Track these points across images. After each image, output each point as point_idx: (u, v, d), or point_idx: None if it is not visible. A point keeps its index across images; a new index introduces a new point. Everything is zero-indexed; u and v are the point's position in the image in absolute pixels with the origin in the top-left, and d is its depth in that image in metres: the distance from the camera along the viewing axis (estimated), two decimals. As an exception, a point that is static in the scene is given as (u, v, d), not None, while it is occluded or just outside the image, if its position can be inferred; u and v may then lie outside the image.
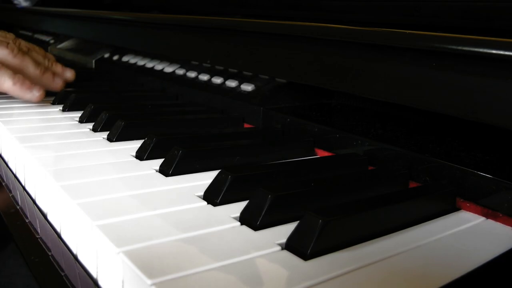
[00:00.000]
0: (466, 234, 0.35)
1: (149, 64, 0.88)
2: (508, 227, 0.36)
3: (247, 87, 0.64)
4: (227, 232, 0.33)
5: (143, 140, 0.50)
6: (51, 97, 0.76)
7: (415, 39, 0.44)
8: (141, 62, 0.91)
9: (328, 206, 0.35)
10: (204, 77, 0.73)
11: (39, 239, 0.41)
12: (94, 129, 0.59)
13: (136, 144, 0.52)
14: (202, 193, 0.40)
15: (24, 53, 0.74)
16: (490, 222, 0.38)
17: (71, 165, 0.45)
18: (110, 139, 0.54)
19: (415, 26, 0.46)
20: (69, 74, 0.82)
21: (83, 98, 0.70)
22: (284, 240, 0.32)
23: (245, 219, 0.35)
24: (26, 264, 0.39)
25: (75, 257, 0.36)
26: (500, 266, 0.32)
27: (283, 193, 0.35)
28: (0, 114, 0.64)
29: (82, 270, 0.34)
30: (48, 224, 0.41)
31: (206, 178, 0.42)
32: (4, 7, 1.69)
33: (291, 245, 0.31)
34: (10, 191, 0.52)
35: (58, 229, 0.39)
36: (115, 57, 1.00)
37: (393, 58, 0.47)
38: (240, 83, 0.66)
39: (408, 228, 0.35)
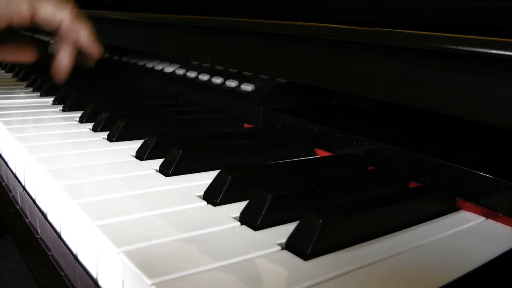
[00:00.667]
0: (466, 234, 0.35)
1: (149, 64, 0.88)
2: (508, 227, 0.36)
3: (247, 87, 0.64)
4: (227, 232, 0.33)
5: (143, 140, 0.50)
6: (51, 97, 0.76)
7: (415, 39, 0.44)
8: (141, 62, 0.91)
9: (328, 206, 0.35)
10: (204, 77, 0.73)
11: (39, 239, 0.41)
12: (94, 129, 0.59)
13: (136, 144, 0.52)
14: (202, 193, 0.40)
15: None
16: (490, 222, 0.38)
17: (71, 165, 0.45)
18: (110, 139, 0.54)
19: (415, 26, 0.46)
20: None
21: (83, 98, 0.70)
22: (284, 240, 0.32)
23: (245, 219, 0.35)
24: (26, 264, 0.39)
25: (75, 257, 0.36)
26: (500, 266, 0.32)
27: (283, 193, 0.35)
28: (0, 114, 0.64)
29: (82, 270, 0.34)
30: (48, 224, 0.41)
31: (206, 178, 0.42)
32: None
33: (291, 245, 0.31)
34: (10, 191, 0.52)
35: (58, 229, 0.39)
36: (115, 57, 1.00)
37: (393, 58, 0.47)
38: (240, 83, 0.66)
39: (408, 228, 0.35)
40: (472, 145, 0.45)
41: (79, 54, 0.69)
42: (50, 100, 0.75)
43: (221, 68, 0.74)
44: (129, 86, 0.87)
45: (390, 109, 0.56)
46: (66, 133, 0.57)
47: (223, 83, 0.69)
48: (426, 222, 0.37)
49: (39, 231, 0.42)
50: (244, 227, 0.34)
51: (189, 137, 0.52)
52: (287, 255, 0.30)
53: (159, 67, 0.85)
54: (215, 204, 0.38)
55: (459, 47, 0.40)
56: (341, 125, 0.52)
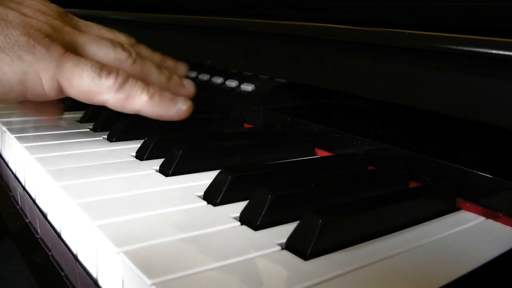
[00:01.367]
0: (466, 234, 0.35)
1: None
2: (508, 227, 0.36)
3: (247, 87, 0.64)
4: (227, 232, 0.33)
5: (143, 140, 0.50)
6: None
7: (415, 39, 0.44)
8: (141, 62, 0.91)
9: (328, 206, 0.35)
10: (204, 77, 0.73)
11: (39, 239, 0.41)
12: (94, 129, 0.59)
13: (136, 144, 0.52)
14: (202, 193, 0.40)
15: (142, 57, 0.55)
16: (490, 222, 0.38)
17: (71, 165, 0.45)
18: (110, 139, 0.54)
19: (415, 26, 0.46)
20: (183, 68, 0.64)
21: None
22: (284, 240, 0.32)
23: (245, 219, 0.35)
24: (26, 264, 0.39)
25: (75, 257, 0.36)
26: (500, 266, 0.32)
27: (283, 193, 0.35)
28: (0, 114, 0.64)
29: (82, 270, 0.34)
30: (48, 224, 0.41)
31: (206, 178, 0.42)
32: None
33: (291, 245, 0.31)
34: (10, 191, 0.52)
35: (58, 229, 0.39)
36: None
37: (393, 58, 0.47)
38: (240, 83, 0.66)
39: (408, 228, 0.35)
40: (472, 145, 0.45)
41: None
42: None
43: (221, 68, 0.73)
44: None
45: (390, 109, 0.56)
46: (66, 133, 0.57)
47: (223, 83, 0.69)
48: (426, 222, 0.37)
49: (39, 231, 0.42)
50: (244, 227, 0.34)
51: (189, 137, 0.52)
52: (287, 255, 0.30)
53: (159, 67, 0.85)
54: (215, 204, 0.38)
55: (459, 47, 0.40)
56: (341, 125, 0.52)
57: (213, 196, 0.39)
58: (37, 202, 0.45)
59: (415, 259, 0.31)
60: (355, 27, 0.50)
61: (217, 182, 0.39)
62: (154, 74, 0.54)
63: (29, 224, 0.44)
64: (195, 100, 0.71)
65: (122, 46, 0.53)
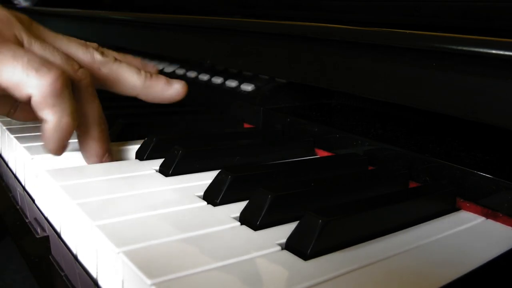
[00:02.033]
0: (466, 234, 0.35)
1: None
2: (508, 227, 0.36)
3: (247, 87, 0.64)
4: (227, 232, 0.33)
5: (143, 140, 0.50)
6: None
7: (415, 39, 0.44)
8: (141, 62, 0.91)
9: (328, 206, 0.35)
10: (204, 77, 0.73)
11: (39, 239, 0.41)
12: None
13: (136, 144, 0.52)
14: (202, 193, 0.40)
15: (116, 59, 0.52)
16: (490, 222, 0.38)
17: (70, 165, 0.45)
18: (110, 139, 0.54)
19: (415, 26, 0.46)
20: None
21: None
22: (284, 240, 0.32)
23: (245, 219, 0.35)
24: (26, 264, 0.39)
25: (75, 257, 0.36)
26: (500, 266, 0.32)
27: (283, 193, 0.35)
28: None
29: (82, 270, 0.34)
30: (48, 224, 0.41)
31: (206, 178, 0.42)
32: (4, 7, 1.69)
33: (291, 245, 0.31)
34: (10, 191, 0.52)
35: (58, 229, 0.39)
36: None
37: (393, 58, 0.47)
38: (240, 83, 0.66)
39: (408, 228, 0.35)
40: (472, 145, 0.45)
41: None
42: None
43: (221, 68, 0.73)
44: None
45: (390, 109, 0.56)
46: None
47: (223, 83, 0.69)
48: (426, 222, 0.37)
49: (39, 231, 0.42)
50: (244, 227, 0.34)
51: (189, 137, 0.52)
52: (287, 255, 0.30)
53: (159, 67, 0.85)
54: (215, 204, 0.38)
55: (459, 47, 0.40)
56: (341, 125, 0.52)
57: (213, 196, 0.39)
58: (37, 202, 0.45)
59: (415, 259, 0.31)
60: (355, 27, 0.50)
61: (217, 182, 0.39)
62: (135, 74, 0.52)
63: (29, 224, 0.44)
64: (196, 100, 0.71)
65: (95, 47, 0.52)
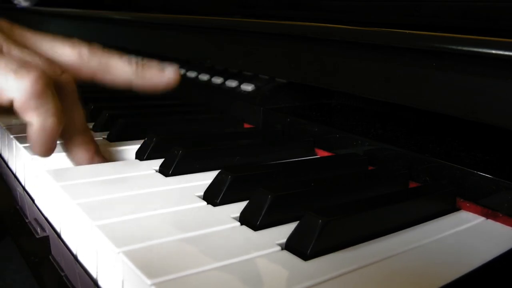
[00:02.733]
0: (466, 234, 0.35)
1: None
2: (508, 227, 0.36)
3: (247, 87, 0.64)
4: (227, 232, 0.33)
5: (143, 140, 0.50)
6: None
7: (415, 39, 0.44)
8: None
9: (328, 206, 0.35)
10: (204, 77, 0.73)
11: (39, 239, 0.41)
12: (94, 129, 0.59)
13: (136, 144, 0.52)
14: (202, 193, 0.40)
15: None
16: (490, 222, 0.38)
17: (70, 165, 0.45)
18: (110, 139, 0.54)
19: (415, 26, 0.46)
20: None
21: (82, 98, 0.70)
22: (284, 240, 0.32)
23: (245, 219, 0.35)
24: (26, 264, 0.39)
25: (75, 257, 0.36)
26: (500, 266, 0.32)
27: (283, 193, 0.35)
28: None
29: (82, 270, 0.34)
30: (48, 224, 0.41)
31: (206, 178, 0.42)
32: (4, 7, 1.69)
33: (291, 245, 0.31)
34: (10, 191, 0.52)
35: (58, 229, 0.39)
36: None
37: (393, 58, 0.47)
38: (240, 83, 0.66)
39: (408, 228, 0.35)
40: (472, 145, 0.45)
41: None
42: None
43: (221, 68, 0.73)
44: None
45: (390, 109, 0.56)
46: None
47: (223, 83, 0.69)
48: (426, 222, 0.37)
49: (38, 231, 0.42)
50: (244, 227, 0.34)
51: (189, 137, 0.52)
52: (287, 255, 0.30)
53: (159, 67, 0.85)
54: (215, 204, 0.38)
55: (459, 47, 0.40)
56: (341, 125, 0.52)
57: (213, 196, 0.39)
58: (37, 202, 0.45)
59: (415, 259, 0.31)
60: (355, 27, 0.50)
61: (217, 182, 0.39)
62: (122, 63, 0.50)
63: (29, 224, 0.44)
64: (196, 100, 0.71)
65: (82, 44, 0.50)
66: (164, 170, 0.44)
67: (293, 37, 0.58)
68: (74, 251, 0.36)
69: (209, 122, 0.61)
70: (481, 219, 0.38)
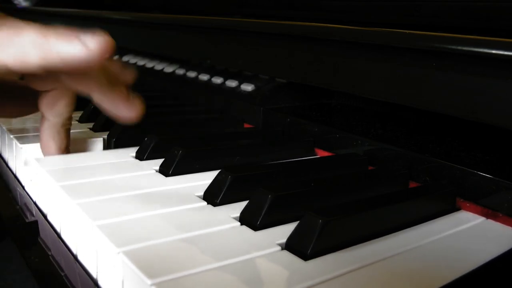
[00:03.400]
0: (466, 234, 0.35)
1: (149, 64, 0.88)
2: (508, 227, 0.36)
3: (247, 87, 0.64)
4: (227, 232, 0.33)
5: (143, 140, 0.50)
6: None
7: (415, 39, 0.44)
8: (141, 62, 0.91)
9: (328, 206, 0.35)
10: (204, 77, 0.73)
11: (39, 239, 0.41)
12: (94, 129, 0.59)
13: (136, 145, 0.52)
14: (202, 193, 0.40)
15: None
16: (490, 222, 0.38)
17: (70, 165, 0.45)
18: (110, 139, 0.54)
19: (415, 26, 0.46)
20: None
21: (83, 98, 0.70)
22: (284, 240, 0.32)
23: (245, 219, 0.35)
24: (26, 264, 0.39)
25: (75, 257, 0.36)
26: (500, 266, 0.32)
27: (283, 193, 0.35)
28: None
29: (82, 270, 0.34)
30: (48, 224, 0.41)
31: (206, 178, 0.42)
32: (4, 7, 1.69)
33: (291, 245, 0.31)
34: (10, 191, 0.52)
35: (58, 229, 0.39)
36: (115, 57, 1.00)
37: (393, 58, 0.47)
38: (240, 83, 0.66)
39: (408, 228, 0.35)
40: (472, 145, 0.45)
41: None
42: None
43: (221, 68, 0.74)
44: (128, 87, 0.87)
45: (390, 109, 0.56)
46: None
47: (223, 83, 0.69)
48: (426, 222, 0.37)
49: (39, 231, 0.42)
50: (244, 227, 0.34)
51: (189, 137, 0.52)
52: (287, 255, 0.30)
53: (159, 67, 0.85)
54: (215, 204, 0.38)
55: (459, 47, 0.40)
56: (341, 125, 0.52)
57: (213, 196, 0.39)
58: (37, 202, 0.45)
59: (415, 259, 0.31)
60: (355, 27, 0.50)
61: (217, 182, 0.39)
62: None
63: (29, 224, 0.44)
64: (196, 100, 0.71)
65: None
66: (164, 170, 0.44)
67: (293, 37, 0.58)
68: (74, 251, 0.36)
69: (209, 122, 0.61)
70: (481, 219, 0.38)
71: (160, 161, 0.46)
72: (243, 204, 0.36)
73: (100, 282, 0.33)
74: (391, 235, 0.34)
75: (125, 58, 0.96)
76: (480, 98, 0.40)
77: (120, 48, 1.01)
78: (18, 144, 0.51)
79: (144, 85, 0.86)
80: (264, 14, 0.74)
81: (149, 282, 0.26)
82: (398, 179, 0.43)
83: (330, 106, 0.62)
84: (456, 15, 0.49)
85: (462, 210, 0.40)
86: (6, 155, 0.56)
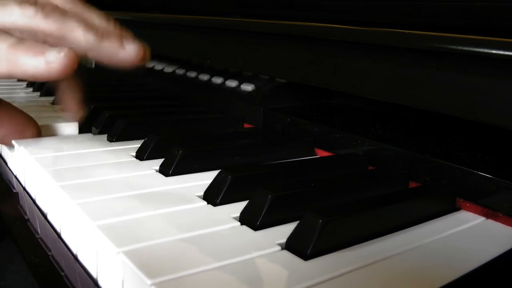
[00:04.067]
0: (466, 234, 0.35)
1: (149, 64, 0.88)
2: (508, 227, 0.36)
3: (247, 87, 0.64)
4: (227, 232, 0.33)
5: (143, 140, 0.50)
6: (49, 97, 0.76)
7: (415, 39, 0.44)
8: (141, 62, 0.91)
9: (328, 206, 0.35)
10: (204, 77, 0.73)
11: (39, 239, 0.41)
12: (94, 132, 0.59)
13: (136, 144, 0.52)
14: (202, 193, 0.40)
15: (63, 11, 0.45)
16: (490, 222, 0.38)
17: (71, 165, 0.45)
18: (110, 139, 0.54)
19: (415, 26, 0.46)
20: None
21: (83, 98, 0.70)
22: (284, 240, 0.32)
23: (245, 219, 0.35)
24: (26, 264, 0.39)
25: (75, 257, 0.36)
26: (500, 266, 0.32)
27: (283, 193, 0.35)
28: None
29: (82, 270, 0.34)
30: (48, 224, 0.41)
31: (206, 178, 0.42)
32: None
33: (291, 245, 0.31)
34: (10, 191, 0.52)
35: (58, 229, 0.39)
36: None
37: (393, 58, 0.47)
38: (240, 83, 0.66)
39: (408, 228, 0.35)
40: (472, 145, 0.45)
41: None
42: (47, 100, 0.75)
43: (221, 68, 0.74)
44: (129, 86, 0.87)
45: (390, 109, 0.56)
46: (66, 134, 0.57)
47: (223, 83, 0.69)
48: (426, 222, 0.37)
49: (39, 231, 0.42)
50: (244, 227, 0.34)
51: (189, 137, 0.52)
52: (287, 255, 0.30)
53: (159, 67, 0.85)
54: (215, 204, 0.38)
55: (459, 47, 0.40)
56: (341, 125, 0.52)
57: (213, 196, 0.39)
58: (37, 202, 0.45)
59: (415, 259, 0.31)
60: (355, 27, 0.50)
61: (217, 182, 0.39)
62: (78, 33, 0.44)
63: (29, 224, 0.44)
64: (196, 100, 0.71)
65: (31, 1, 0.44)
66: (164, 170, 0.44)
67: (293, 37, 0.58)
68: (74, 251, 0.36)
69: (209, 122, 0.61)
70: (481, 219, 0.38)
71: (160, 161, 0.46)
72: (243, 204, 0.36)
73: (100, 282, 0.33)
74: (391, 235, 0.34)
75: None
76: (480, 98, 0.40)
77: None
78: (15, 144, 0.51)
79: (144, 85, 0.86)
80: (264, 14, 0.74)
81: (149, 282, 0.26)
82: (398, 179, 0.43)
83: (330, 106, 0.62)
84: (456, 15, 0.49)
85: (462, 210, 0.40)
86: (6, 155, 0.56)
